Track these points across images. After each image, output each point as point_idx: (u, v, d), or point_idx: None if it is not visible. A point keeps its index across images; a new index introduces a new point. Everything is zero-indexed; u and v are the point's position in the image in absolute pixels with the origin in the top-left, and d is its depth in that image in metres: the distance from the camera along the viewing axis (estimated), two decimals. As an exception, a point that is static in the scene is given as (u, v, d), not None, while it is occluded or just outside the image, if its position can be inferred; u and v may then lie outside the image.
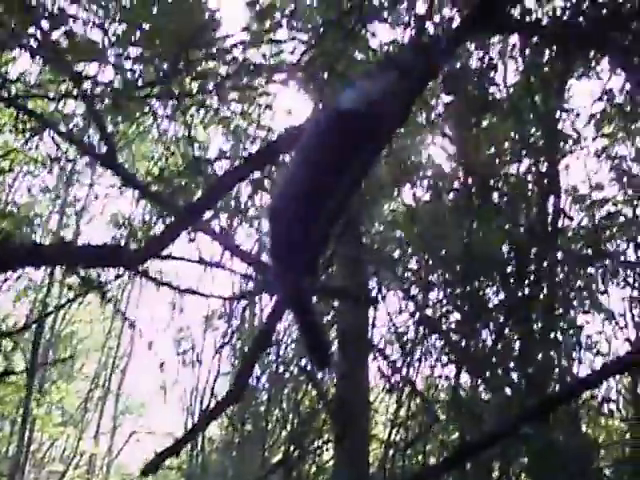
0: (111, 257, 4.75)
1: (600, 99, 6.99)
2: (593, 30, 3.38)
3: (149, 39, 4.05)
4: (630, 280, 8.28)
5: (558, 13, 3.87)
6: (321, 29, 4.53)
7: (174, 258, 5.58)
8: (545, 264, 7.83)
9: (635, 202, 8.15)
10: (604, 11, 3.45)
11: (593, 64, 4.90)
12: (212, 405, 9.51)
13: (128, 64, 4.62)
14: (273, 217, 2.92)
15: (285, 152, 4.62)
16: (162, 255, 5.47)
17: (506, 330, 8.06)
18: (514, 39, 6.85)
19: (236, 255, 5.21)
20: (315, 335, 2.97)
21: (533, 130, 7.81)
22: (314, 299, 7.21)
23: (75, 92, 5.18)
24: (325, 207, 2.71)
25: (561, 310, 8.19)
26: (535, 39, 4.91)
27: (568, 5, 3.85)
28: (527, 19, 3.63)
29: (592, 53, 3.93)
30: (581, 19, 3.51)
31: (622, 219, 8.32)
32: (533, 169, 7.97)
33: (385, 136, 2.79)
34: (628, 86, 6.54)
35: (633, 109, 6.39)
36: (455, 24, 4.58)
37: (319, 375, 8.90)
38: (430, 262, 8.19)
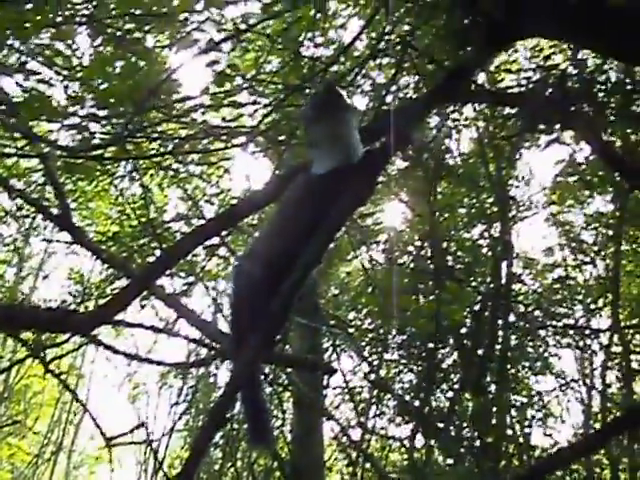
0: (61, 322, 4.27)
1: (558, 175, 6.91)
2: (560, 101, 3.18)
3: (105, 98, 3.71)
4: (580, 343, 8.14)
5: (523, 82, 3.71)
6: (282, 94, 4.26)
7: (127, 324, 5.16)
8: (499, 326, 7.64)
9: (584, 267, 8.07)
10: (571, 84, 3.27)
11: (557, 133, 4.74)
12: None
13: (83, 123, 4.24)
14: (237, 283, 2.65)
15: (245, 217, 4.28)
16: (114, 321, 5.04)
17: (460, 391, 7.84)
18: (469, 109, 6.75)
19: (190, 322, 4.80)
20: (258, 412, 2.64)
21: (486, 196, 7.70)
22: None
23: (30, 150, 4.78)
24: (290, 275, 2.41)
25: (513, 371, 8.02)
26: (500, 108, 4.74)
27: (535, 76, 3.69)
28: (494, 88, 3.45)
29: (558, 124, 3.76)
30: (549, 91, 3.33)
31: (572, 283, 8.23)
32: (486, 234, 7.82)
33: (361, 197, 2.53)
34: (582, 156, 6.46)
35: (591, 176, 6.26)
36: (419, 92, 4.37)
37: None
38: (386, 324, 7.91)
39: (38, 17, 4.13)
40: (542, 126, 3.76)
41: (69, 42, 4.77)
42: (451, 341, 7.84)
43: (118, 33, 4.52)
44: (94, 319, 4.53)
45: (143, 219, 5.68)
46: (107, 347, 5.89)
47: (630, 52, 2.41)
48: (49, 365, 5.52)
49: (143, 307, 5.52)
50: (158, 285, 4.83)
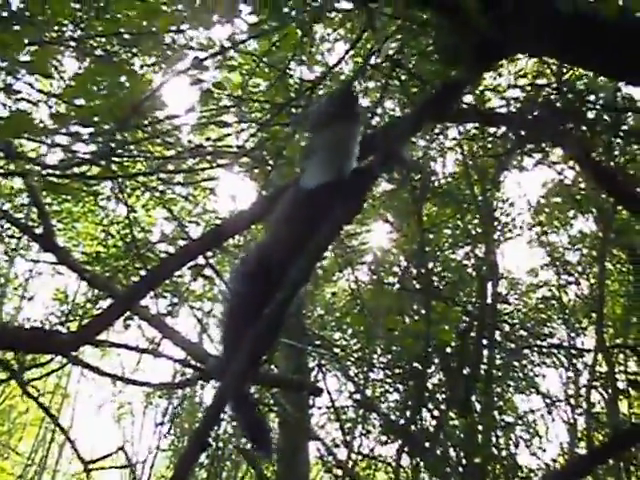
0: (43, 342, 4.11)
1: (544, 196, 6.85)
2: (550, 121, 3.09)
3: (87, 116, 3.58)
4: (565, 362, 8.05)
5: (512, 103, 3.63)
6: (268, 113, 4.15)
7: (110, 344, 4.99)
8: (484, 346, 7.53)
9: (568, 286, 8.00)
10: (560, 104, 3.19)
11: (545, 153, 4.68)
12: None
13: (65, 141, 4.10)
14: (229, 303, 2.60)
15: (229, 237, 4.15)
16: (97, 341, 4.87)
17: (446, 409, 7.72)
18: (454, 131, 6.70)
19: (175, 342, 4.65)
20: (257, 426, 2.58)
21: (471, 217, 7.63)
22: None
23: (12, 169, 4.63)
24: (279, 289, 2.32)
25: (499, 390, 7.92)
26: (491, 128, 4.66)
27: (523, 96, 3.61)
28: (482, 108, 3.37)
29: (547, 142, 3.68)
30: (537, 111, 3.25)
31: (557, 302, 8.16)
32: (472, 255, 7.74)
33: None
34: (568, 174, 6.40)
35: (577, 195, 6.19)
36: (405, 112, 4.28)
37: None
38: (371, 344, 7.77)
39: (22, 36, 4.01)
40: (531, 145, 3.68)
41: (54, 62, 4.66)
42: (437, 360, 7.73)
43: (104, 53, 4.42)
44: (76, 339, 4.36)
45: (128, 239, 5.52)
46: (91, 368, 5.69)
47: (626, 68, 2.32)
48: (27, 386, 5.32)
49: (127, 327, 5.35)
50: (142, 306, 4.68)
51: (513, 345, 7.80)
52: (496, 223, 7.70)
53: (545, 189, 7.15)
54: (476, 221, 7.62)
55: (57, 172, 4.19)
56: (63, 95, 3.93)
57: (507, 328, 8.00)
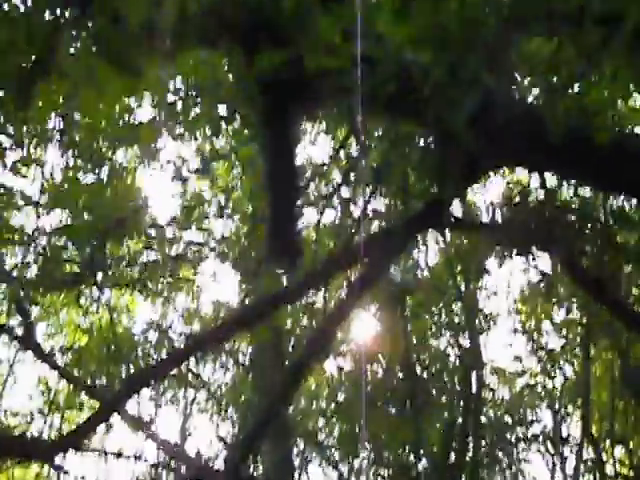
0: (27, 449, 3.96)
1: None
2: (537, 229, 3.05)
3: (70, 234, 3.49)
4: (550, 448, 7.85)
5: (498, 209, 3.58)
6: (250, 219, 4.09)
7: (92, 451, 4.78)
8: (470, 433, 7.32)
9: (552, 374, 7.85)
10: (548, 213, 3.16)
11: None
12: None
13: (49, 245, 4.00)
14: None
15: (211, 346, 4.02)
16: (79, 447, 4.69)
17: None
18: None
19: (157, 445, 4.48)
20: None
21: (455, 307, 7.52)
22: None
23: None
24: None
25: (486, 477, 7.67)
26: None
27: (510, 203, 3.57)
28: (472, 218, 3.34)
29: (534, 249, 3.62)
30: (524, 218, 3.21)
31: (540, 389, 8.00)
32: (455, 345, 7.59)
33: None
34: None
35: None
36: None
37: None
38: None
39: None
40: (517, 249, 3.60)
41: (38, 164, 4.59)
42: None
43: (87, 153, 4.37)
44: (61, 446, 4.17)
45: (110, 340, 5.37)
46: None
47: (616, 184, 2.28)
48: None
49: (109, 430, 5.16)
50: (124, 410, 4.51)
51: (498, 433, 7.61)
52: (480, 313, 7.57)
53: (529, 285, 7.11)
54: (459, 310, 7.51)
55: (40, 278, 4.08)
56: (47, 205, 3.85)
57: (492, 414, 7.82)
